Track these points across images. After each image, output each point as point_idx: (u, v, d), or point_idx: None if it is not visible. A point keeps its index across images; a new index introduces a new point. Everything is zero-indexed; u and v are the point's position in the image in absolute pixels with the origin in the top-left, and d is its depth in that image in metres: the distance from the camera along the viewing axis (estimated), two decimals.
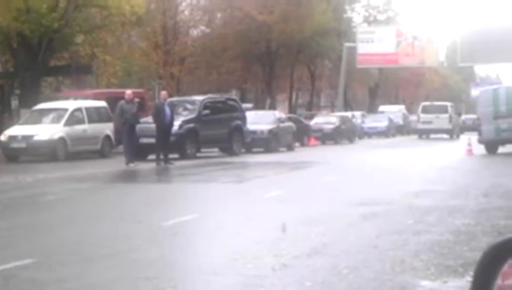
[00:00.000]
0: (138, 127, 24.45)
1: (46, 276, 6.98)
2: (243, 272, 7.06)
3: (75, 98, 31.14)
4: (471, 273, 2.13)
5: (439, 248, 8.16)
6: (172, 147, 24.96)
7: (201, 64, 53.71)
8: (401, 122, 59.79)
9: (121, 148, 28.63)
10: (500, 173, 19.23)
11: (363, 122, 54.97)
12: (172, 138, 24.70)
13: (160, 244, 8.83)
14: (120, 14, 35.39)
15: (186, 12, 55.43)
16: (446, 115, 49.09)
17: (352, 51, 59.86)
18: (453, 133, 49.01)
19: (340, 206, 12.25)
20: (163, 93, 26.43)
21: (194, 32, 57.07)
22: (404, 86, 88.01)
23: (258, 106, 52.70)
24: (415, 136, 52.47)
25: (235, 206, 12.87)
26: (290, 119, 37.45)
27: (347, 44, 60.32)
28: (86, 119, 28.27)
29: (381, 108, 67.04)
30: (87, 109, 28.71)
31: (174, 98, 31.89)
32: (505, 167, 21.86)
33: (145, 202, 13.71)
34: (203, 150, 28.56)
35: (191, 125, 27.25)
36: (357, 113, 57.57)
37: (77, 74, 40.05)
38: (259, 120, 32.87)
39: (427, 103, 53.35)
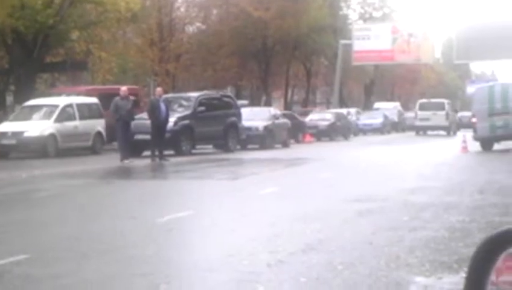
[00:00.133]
0: (133, 123, 24.44)
1: (40, 272, 6.97)
2: (238, 268, 7.05)
3: (68, 95, 31.05)
4: (466, 269, 2.12)
5: (434, 244, 8.17)
6: (167, 143, 24.95)
7: (196, 61, 53.69)
8: (396, 119, 59.88)
9: (112, 145, 28.67)
10: (495, 169, 19.24)
11: (358, 119, 55.01)
12: (167, 135, 24.70)
13: (155, 241, 8.82)
14: (115, 10, 35.34)
15: (182, 9, 55.39)
16: (443, 112, 49.57)
17: (348, 48, 59.88)
18: (450, 130, 49.47)
19: (335, 203, 12.25)
20: (159, 89, 26.42)
21: (190, 29, 57.03)
22: (400, 83, 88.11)
23: (254, 102, 52.71)
24: (410, 133, 52.77)
25: (231, 202, 12.86)
26: (285, 115, 37.46)
27: (343, 41, 60.33)
28: (77, 116, 28.15)
29: (376, 105, 67.10)
30: (78, 105, 28.61)
31: (170, 95, 31.85)
32: (500, 163, 21.88)
33: (140, 199, 13.69)
34: (198, 146, 28.56)
35: (186, 121, 27.23)
36: (352, 110, 57.60)
37: (72, 70, 40.03)
38: (254, 117, 32.86)
39: (425, 100, 53.60)
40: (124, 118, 23.54)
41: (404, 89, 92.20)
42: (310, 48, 59.80)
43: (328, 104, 69.85)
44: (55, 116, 27.33)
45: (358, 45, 59.21)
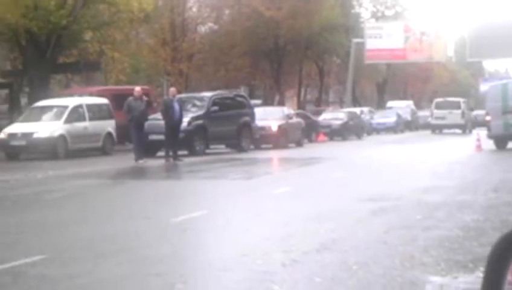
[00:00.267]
0: (147, 123, 24.49)
1: (56, 272, 7.00)
2: (252, 268, 7.07)
3: (80, 95, 31.08)
4: (482, 268, 2.13)
5: (449, 244, 8.16)
6: (181, 143, 24.98)
7: (209, 61, 53.73)
8: (409, 117, 59.79)
9: (125, 145, 28.70)
10: (509, 168, 19.20)
11: (371, 118, 54.95)
12: (181, 135, 24.73)
13: (170, 241, 8.85)
14: (128, 10, 35.41)
15: (194, 9, 55.42)
16: (459, 111, 50.37)
17: (360, 46, 59.82)
18: (466, 128, 49.86)
19: (349, 202, 12.25)
20: (172, 89, 26.44)
21: (202, 29, 57.06)
22: (413, 82, 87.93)
23: (267, 102, 52.71)
24: (423, 132, 52.80)
25: (245, 202, 12.88)
26: (298, 115, 37.44)
27: (355, 40, 60.27)
28: (86, 117, 28.07)
29: (389, 104, 67.01)
30: (88, 106, 28.53)
31: (183, 95, 31.88)
32: None
33: (154, 199, 13.73)
34: (211, 146, 28.59)
35: (200, 121, 27.26)
36: (365, 109, 57.56)
37: (86, 70, 40.13)
38: (268, 116, 32.87)
39: (440, 99, 54.00)
40: (136, 118, 23.53)
41: (416, 87, 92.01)
42: (322, 47, 59.76)
43: (341, 103, 69.81)
44: (64, 117, 27.23)
45: (370, 44, 59.15)
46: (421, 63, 71.84)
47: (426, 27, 60.82)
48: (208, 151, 27.71)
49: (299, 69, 61.30)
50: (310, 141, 37.60)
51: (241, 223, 10.15)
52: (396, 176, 17.37)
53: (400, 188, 14.36)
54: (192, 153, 26.26)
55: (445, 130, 50.24)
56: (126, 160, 24.19)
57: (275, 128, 32.30)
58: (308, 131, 37.21)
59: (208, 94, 30.37)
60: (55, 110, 27.81)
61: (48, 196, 14.55)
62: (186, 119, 25.81)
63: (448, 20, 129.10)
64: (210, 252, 8.16)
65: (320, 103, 66.68)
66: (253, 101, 38.06)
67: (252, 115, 30.59)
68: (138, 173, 21.10)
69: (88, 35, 38.87)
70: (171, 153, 23.98)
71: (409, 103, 69.22)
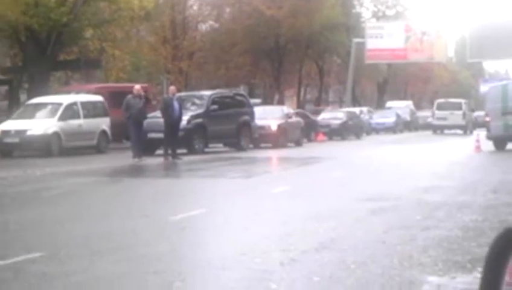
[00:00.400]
0: (146, 122, 24.46)
1: (54, 270, 7.00)
2: (251, 266, 7.07)
3: (77, 92, 31.01)
4: (480, 269, 2.13)
5: (448, 244, 8.16)
6: (180, 142, 24.98)
7: (209, 59, 53.75)
8: (408, 118, 59.81)
9: (122, 143, 28.63)
10: (508, 169, 19.20)
11: (370, 118, 54.97)
12: (180, 133, 24.72)
13: (168, 239, 8.85)
14: (129, 8, 35.41)
15: (195, 7, 55.45)
16: (460, 112, 50.89)
17: (361, 46, 59.82)
18: (467, 128, 50.23)
19: (348, 202, 12.26)
20: (172, 88, 26.42)
21: (203, 27, 57.08)
22: (413, 82, 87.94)
23: (267, 101, 52.71)
24: (422, 132, 52.93)
25: (243, 201, 12.88)
26: (297, 114, 37.44)
27: (356, 39, 60.27)
28: (81, 114, 27.90)
29: (388, 104, 67.05)
30: (82, 103, 28.34)
31: (183, 93, 31.87)
32: None
33: (153, 197, 13.73)
34: (211, 145, 28.58)
35: (199, 120, 27.26)
36: (364, 109, 57.58)
37: (86, 68, 40.12)
38: (267, 115, 32.86)
39: (442, 100, 54.40)
40: (134, 116, 23.45)
41: (417, 87, 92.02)
42: (322, 46, 59.79)
43: (341, 103, 69.82)
44: (59, 114, 27.01)
45: (371, 43, 59.15)
46: (422, 63, 71.84)
47: (427, 27, 60.83)
48: (207, 150, 27.71)
49: (299, 68, 61.29)
50: (309, 140, 37.59)
51: (240, 222, 10.16)
52: (395, 176, 17.37)
53: (399, 188, 14.36)
54: (192, 151, 26.26)
55: (447, 131, 50.61)
56: (121, 158, 24.16)
57: (274, 127, 32.30)
58: (308, 130, 37.20)
59: (207, 93, 30.37)
60: (49, 107, 27.58)
61: (45, 193, 14.55)
62: (185, 118, 25.80)
63: (449, 20, 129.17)
64: (208, 250, 8.16)
65: (320, 103, 66.65)
66: (253, 100, 38.05)
67: (252, 114, 30.59)
68: (136, 171, 21.09)
69: (89, 32, 38.89)
70: (170, 152, 23.97)
71: (408, 103, 69.24)
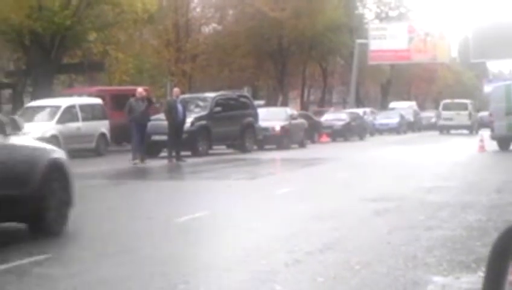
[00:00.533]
0: (150, 124, 24.44)
1: (59, 271, 7.02)
2: (255, 268, 7.08)
3: (79, 95, 31.01)
4: (484, 268, 2.14)
5: (452, 244, 8.16)
6: (184, 144, 24.98)
7: (213, 62, 53.72)
8: (412, 118, 59.79)
9: (122, 146, 28.55)
10: None
11: (374, 119, 54.94)
12: (184, 135, 24.72)
13: (173, 241, 8.86)
14: (132, 11, 35.43)
15: (198, 10, 55.45)
16: (466, 112, 51.84)
17: (364, 47, 59.81)
18: (473, 129, 50.66)
19: (352, 202, 12.26)
20: (176, 90, 26.41)
21: (206, 30, 57.08)
22: (417, 83, 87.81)
23: (270, 103, 52.69)
24: (426, 133, 53.11)
25: (248, 202, 12.89)
26: (301, 116, 37.42)
27: (359, 41, 60.27)
28: (79, 117, 27.84)
29: (392, 104, 67.02)
30: (81, 106, 28.28)
31: (186, 95, 31.86)
32: None
33: (157, 199, 13.74)
34: (215, 147, 28.60)
35: (203, 122, 27.27)
36: (367, 110, 57.55)
37: (89, 71, 40.16)
38: (271, 117, 32.85)
39: (448, 101, 54.97)
40: (136, 119, 23.43)
41: (420, 88, 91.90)
42: (326, 47, 59.72)
43: (344, 104, 69.78)
44: (57, 117, 26.88)
45: (374, 45, 59.16)
46: (425, 64, 71.80)
47: (430, 28, 60.82)
48: (211, 151, 27.72)
49: (302, 69, 61.28)
50: (313, 141, 37.57)
51: (244, 224, 10.16)
52: (399, 177, 17.36)
53: (403, 188, 14.37)
54: (195, 153, 26.26)
55: (453, 131, 51.07)
56: (120, 161, 24.12)
57: (278, 129, 32.30)
58: (311, 132, 37.18)
59: (211, 95, 30.37)
60: (48, 110, 27.44)
61: None
62: (189, 120, 25.81)
63: (452, 21, 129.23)
64: (212, 252, 8.17)
65: (324, 104, 66.60)
66: (257, 102, 38.06)
67: (255, 116, 30.59)
68: (140, 173, 21.10)
69: (92, 35, 38.90)
70: (174, 154, 23.99)
71: (412, 104, 69.16)
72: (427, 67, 77.70)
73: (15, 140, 8.88)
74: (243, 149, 29.07)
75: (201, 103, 29.01)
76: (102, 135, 28.45)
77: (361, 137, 44.50)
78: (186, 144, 25.35)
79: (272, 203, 12.61)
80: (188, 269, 7.19)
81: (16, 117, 10.70)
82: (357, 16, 68.14)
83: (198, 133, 26.75)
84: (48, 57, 34.07)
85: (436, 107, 79.16)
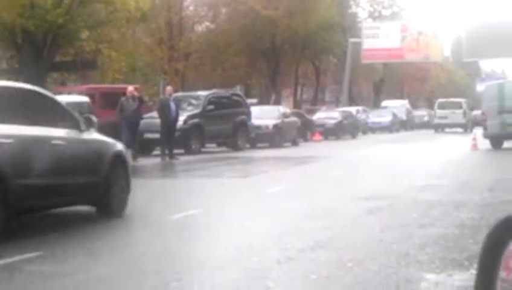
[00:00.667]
0: (143, 122, 24.43)
1: (52, 269, 7.01)
2: (248, 265, 7.08)
3: (69, 93, 30.94)
4: (476, 266, 2.13)
5: (444, 241, 8.17)
6: (177, 142, 24.98)
7: (206, 60, 53.70)
8: (404, 117, 59.91)
9: None
10: (505, 167, 19.22)
11: (367, 117, 55.00)
12: (177, 133, 24.72)
13: (166, 239, 8.85)
14: (125, 9, 35.35)
15: (191, 8, 55.44)
16: (461, 111, 52.43)
17: (357, 46, 59.85)
18: (467, 127, 50.94)
19: (344, 201, 12.27)
20: (169, 88, 26.41)
21: (199, 28, 57.06)
22: (409, 82, 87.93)
23: (263, 101, 52.68)
24: (418, 131, 53.31)
25: (240, 200, 12.90)
26: (294, 114, 37.43)
27: (352, 39, 60.31)
28: None
29: (384, 103, 67.09)
30: (67, 104, 28.18)
31: (179, 94, 31.84)
32: (510, 161, 21.84)
33: (150, 197, 13.72)
34: (207, 145, 28.59)
35: (196, 120, 27.25)
36: (359, 108, 57.55)
37: (82, 69, 40.08)
38: (263, 115, 32.86)
39: (443, 100, 55.47)
40: (127, 118, 23.39)
41: (413, 87, 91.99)
42: (319, 46, 59.73)
43: (337, 103, 69.81)
44: None
45: (367, 43, 59.23)
46: (418, 63, 71.91)
47: (423, 27, 60.89)
48: (203, 149, 27.70)
49: (295, 68, 61.30)
50: (305, 140, 37.57)
51: (237, 222, 10.16)
52: (391, 175, 17.36)
53: (395, 187, 14.38)
54: (188, 151, 26.25)
55: (447, 129, 51.45)
56: None
57: (270, 127, 32.31)
58: (304, 130, 37.20)
59: (204, 93, 30.35)
60: None
61: None
62: (182, 118, 25.80)
63: (445, 20, 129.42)
64: (205, 250, 8.16)
65: (317, 103, 66.61)
66: (249, 100, 38.05)
67: (248, 114, 30.61)
68: (133, 172, 21.01)
69: (85, 34, 38.81)
70: (166, 152, 23.98)
71: (404, 103, 69.20)
72: (419, 66, 77.80)
73: (87, 135, 10.51)
74: (236, 147, 29.08)
75: (194, 101, 29.00)
76: None
77: (354, 135, 44.52)
78: (179, 142, 25.34)
79: (264, 201, 12.61)
80: (181, 266, 7.19)
81: (90, 115, 12.63)
82: (350, 14, 68.19)
83: (191, 131, 26.74)
84: (40, 55, 33.98)
85: (429, 106, 79.34)
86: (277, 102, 54.18)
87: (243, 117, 30.00)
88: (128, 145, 23.54)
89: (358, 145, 35.25)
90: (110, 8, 36.26)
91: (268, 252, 7.68)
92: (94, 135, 10.97)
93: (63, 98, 28.81)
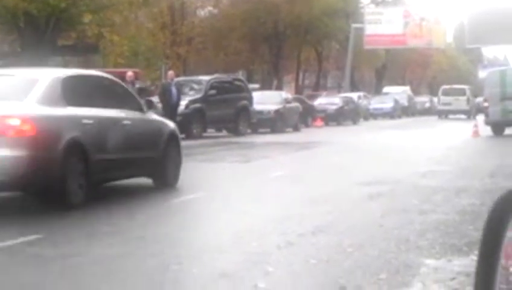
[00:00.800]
0: None
1: (51, 252, 7.02)
2: (248, 249, 7.09)
3: None
4: (476, 252, 2.13)
5: (445, 227, 8.18)
6: (178, 126, 24.89)
7: (208, 45, 53.62)
8: (406, 103, 59.82)
9: None
10: (506, 154, 19.21)
11: (369, 103, 54.90)
12: (178, 118, 24.69)
13: (167, 222, 8.87)
14: None
15: None
16: (464, 98, 52.97)
17: (360, 32, 59.68)
18: (471, 113, 50.98)
19: (345, 186, 12.28)
20: (170, 73, 26.42)
21: (202, 13, 56.93)
22: (412, 68, 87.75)
23: (265, 86, 52.62)
24: (420, 118, 53.33)
25: (241, 185, 12.90)
26: (295, 100, 37.39)
27: (354, 25, 60.13)
28: None
29: (386, 89, 66.96)
30: None
31: (181, 78, 31.83)
32: (511, 148, 21.83)
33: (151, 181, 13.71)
34: (209, 130, 28.57)
35: (198, 105, 27.24)
36: (361, 94, 57.41)
37: (84, 53, 40.04)
38: (265, 100, 32.85)
39: (447, 86, 55.68)
40: None
41: (415, 73, 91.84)
42: (321, 31, 59.59)
43: (339, 89, 69.72)
44: None
45: (370, 29, 59.03)
46: (420, 49, 71.70)
47: (426, 13, 60.73)
48: (205, 134, 27.70)
49: (297, 53, 61.19)
50: (307, 125, 37.54)
51: (238, 206, 10.17)
52: (392, 161, 17.36)
53: (397, 172, 14.37)
54: (190, 136, 26.24)
55: (451, 116, 51.67)
56: None
57: (272, 112, 32.29)
58: (305, 116, 37.15)
59: (205, 78, 30.33)
60: None
61: None
62: (184, 103, 25.79)
63: (448, 6, 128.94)
64: (206, 233, 8.18)
65: (319, 88, 66.52)
66: (251, 86, 38.02)
67: (250, 99, 30.59)
68: None
69: (87, 18, 38.68)
70: None
71: (406, 89, 69.10)
72: (422, 52, 77.60)
73: (148, 116, 12.04)
74: (237, 132, 29.07)
75: (196, 86, 28.98)
76: None
77: (355, 121, 44.46)
78: (180, 126, 25.20)
79: (265, 186, 12.62)
80: (181, 250, 7.20)
81: (151, 98, 14.91)
82: (353, 0, 67.97)
83: (192, 115, 26.73)
84: (42, 39, 33.94)
85: (431, 92, 79.18)
86: (279, 87, 54.11)
87: (245, 102, 29.98)
88: None
89: (359, 131, 35.24)
90: None
91: (269, 237, 7.69)
92: (153, 116, 12.49)
93: None
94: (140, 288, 5.92)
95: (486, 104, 27.69)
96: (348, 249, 7.01)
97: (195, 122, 26.88)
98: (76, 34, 40.87)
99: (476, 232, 7.62)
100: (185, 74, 45.55)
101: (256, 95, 32.45)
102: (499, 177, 13.31)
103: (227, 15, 53.91)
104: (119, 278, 6.25)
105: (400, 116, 55.51)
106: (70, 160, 9.57)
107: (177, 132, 13.14)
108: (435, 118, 51.78)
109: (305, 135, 30.81)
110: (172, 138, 12.54)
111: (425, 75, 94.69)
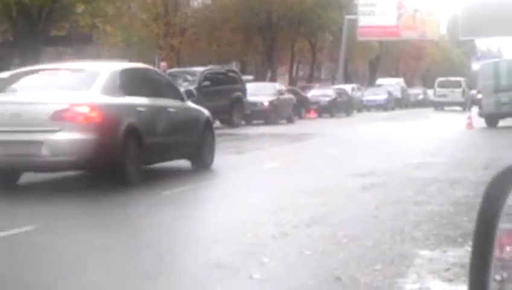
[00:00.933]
0: None
1: (46, 242, 7.01)
2: (242, 240, 7.08)
3: None
4: (470, 243, 2.11)
5: (439, 219, 8.18)
6: None
7: (201, 36, 53.52)
8: (399, 95, 59.83)
9: None
10: (499, 146, 19.22)
11: (362, 95, 54.91)
12: None
13: (160, 213, 8.85)
14: None
15: None
16: (460, 90, 53.45)
17: (353, 23, 59.63)
18: (466, 105, 50.97)
19: (339, 178, 12.27)
20: (163, 64, 26.38)
21: (195, 4, 56.82)
22: (405, 59, 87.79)
23: (259, 78, 52.57)
24: (413, 110, 53.39)
25: (235, 176, 12.90)
26: (289, 91, 37.36)
27: (348, 16, 60.09)
28: None
29: (379, 81, 66.95)
30: None
31: (174, 69, 31.74)
32: (504, 140, 21.85)
33: (145, 171, 13.69)
34: None
35: (191, 96, 27.16)
36: (354, 86, 57.39)
37: (77, 43, 39.93)
38: (259, 92, 32.80)
39: (443, 79, 55.96)
40: None
41: (409, 65, 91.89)
42: (315, 23, 59.51)
43: (333, 80, 69.70)
44: None
45: (363, 21, 58.98)
46: (414, 41, 71.76)
47: (419, 4, 60.67)
48: None
49: (291, 45, 61.14)
50: (300, 117, 37.52)
51: (232, 197, 10.17)
52: (387, 153, 17.37)
53: (391, 164, 14.37)
54: None
55: (447, 108, 51.91)
56: None
57: (266, 104, 32.26)
58: (299, 107, 37.12)
59: (199, 69, 30.25)
60: None
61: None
62: None
63: None
64: (200, 224, 8.17)
65: (312, 80, 66.48)
66: (245, 77, 37.97)
67: (244, 91, 30.55)
68: None
69: (80, 8, 38.61)
70: None
71: (399, 81, 69.08)
72: (415, 44, 77.66)
73: (188, 104, 13.52)
74: (231, 124, 29.04)
75: (189, 77, 28.90)
76: None
77: (348, 113, 44.43)
78: None
79: (259, 177, 12.62)
80: (175, 240, 7.19)
81: (191, 88, 16.48)
82: None
83: None
84: (35, 29, 33.85)
85: (424, 84, 79.21)
86: (273, 79, 54.08)
87: (239, 94, 29.94)
88: None
89: (353, 123, 35.25)
90: None
91: (264, 228, 7.69)
92: (192, 104, 13.85)
93: None
94: (135, 278, 5.91)
95: (479, 96, 27.71)
96: (342, 240, 7.01)
97: None
98: (69, 25, 40.76)
99: (470, 223, 7.62)
100: (178, 65, 45.46)
101: (250, 87, 32.41)
102: (492, 169, 13.29)
103: (221, 6, 53.84)
104: (114, 268, 6.24)
105: (393, 108, 55.53)
106: (129, 144, 10.78)
107: (211, 119, 14.66)
108: (428, 109, 51.88)
109: (298, 126, 30.80)
110: (208, 124, 13.96)
111: (418, 67, 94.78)
